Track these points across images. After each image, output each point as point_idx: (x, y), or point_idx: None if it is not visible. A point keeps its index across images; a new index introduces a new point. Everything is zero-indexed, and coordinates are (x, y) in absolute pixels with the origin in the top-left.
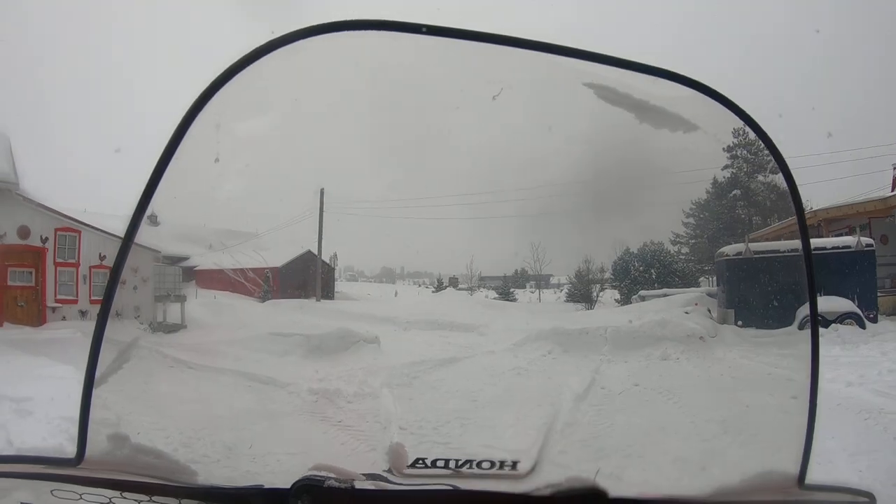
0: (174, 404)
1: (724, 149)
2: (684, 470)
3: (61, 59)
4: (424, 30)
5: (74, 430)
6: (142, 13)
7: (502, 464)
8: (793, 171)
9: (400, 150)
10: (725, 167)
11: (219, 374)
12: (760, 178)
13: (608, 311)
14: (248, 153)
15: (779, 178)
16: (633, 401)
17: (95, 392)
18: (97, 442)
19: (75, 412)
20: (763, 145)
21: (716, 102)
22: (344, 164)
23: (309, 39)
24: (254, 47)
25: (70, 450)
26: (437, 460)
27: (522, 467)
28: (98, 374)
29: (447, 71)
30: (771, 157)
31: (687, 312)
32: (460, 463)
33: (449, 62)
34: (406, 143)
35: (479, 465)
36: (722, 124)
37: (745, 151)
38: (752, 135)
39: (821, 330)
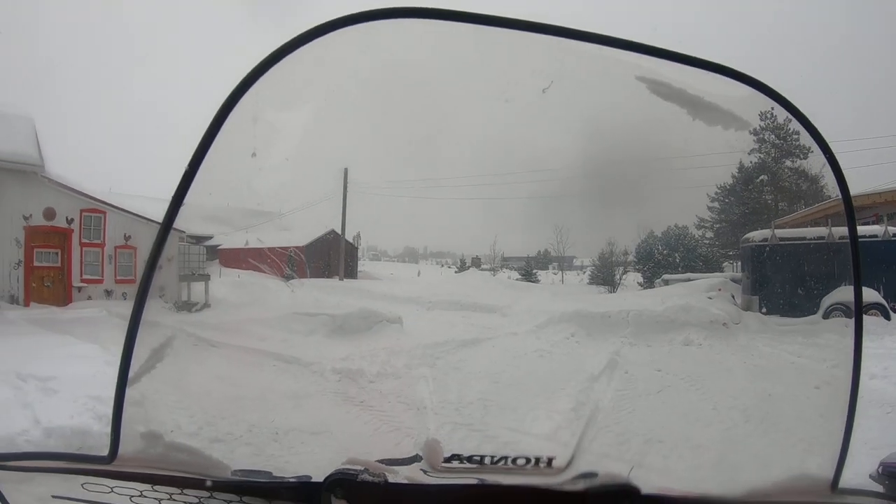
0: (198, 382)
1: (750, 132)
2: (705, 457)
3: (85, 44)
4: (461, 17)
5: (100, 408)
6: (164, 4)
7: (538, 460)
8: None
9: (426, 132)
10: (752, 151)
11: (243, 353)
12: (788, 163)
13: (631, 294)
14: (281, 144)
15: (807, 164)
16: (655, 386)
17: (128, 391)
18: (130, 440)
19: (100, 391)
20: (789, 130)
21: (746, 86)
22: (368, 145)
23: (344, 29)
24: (282, 41)
25: (96, 429)
26: (472, 456)
27: (558, 464)
28: (132, 372)
29: (477, 57)
30: (799, 141)
31: (710, 298)
32: (496, 459)
33: (480, 49)
34: (432, 127)
35: (514, 461)
36: (750, 107)
37: (774, 136)
38: (780, 118)
39: (846, 321)
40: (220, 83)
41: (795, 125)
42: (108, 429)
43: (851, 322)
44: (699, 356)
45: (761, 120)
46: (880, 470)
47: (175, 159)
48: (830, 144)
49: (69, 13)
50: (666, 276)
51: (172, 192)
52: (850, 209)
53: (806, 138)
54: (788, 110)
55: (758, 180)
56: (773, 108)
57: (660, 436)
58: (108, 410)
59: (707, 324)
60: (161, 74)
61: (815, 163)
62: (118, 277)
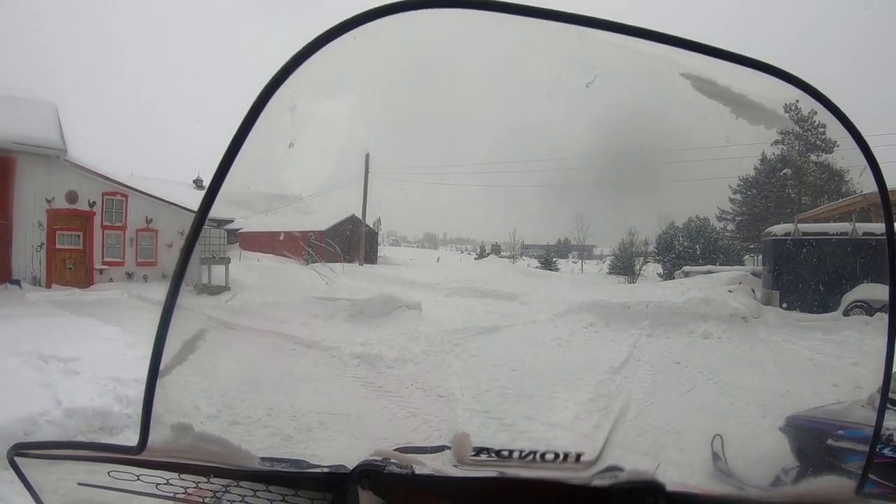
0: (218, 366)
1: (783, 131)
2: (720, 451)
3: (109, 30)
4: (497, 7)
5: (121, 389)
6: None
7: (567, 455)
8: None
9: (449, 120)
10: (775, 142)
11: (262, 336)
12: (813, 157)
13: (651, 285)
14: (314, 135)
15: (832, 158)
16: (673, 378)
17: (159, 382)
18: (159, 431)
19: (121, 372)
20: (815, 123)
21: (785, 83)
22: (391, 132)
23: (378, 20)
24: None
25: (117, 410)
26: (501, 450)
27: (586, 459)
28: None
29: (507, 49)
30: (825, 135)
31: (730, 291)
32: (524, 453)
33: (510, 41)
34: (457, 114)
35: (543, 456)
36: (778, 97)
37: (798, 128)
38: (804, 110)
39: (866, 318)
40: (241, 70)
41: (821, 118)
42: (129, 410)
43: (872, 320)
44: (718, 349)
45: (785, 111)
46: (784, 424)
47: (196, 144)
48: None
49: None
50: (686, 268)
51: (208, 182)
52: (888, 207)
53: (832, 132)
54: (830, 110)
55: (781, 174)
56: (797, 101)
57: (677, 428)
58: (129, 391)
59: (727, 317)
60: (183, 60)
61: (840, 157)
62: (139, 260)
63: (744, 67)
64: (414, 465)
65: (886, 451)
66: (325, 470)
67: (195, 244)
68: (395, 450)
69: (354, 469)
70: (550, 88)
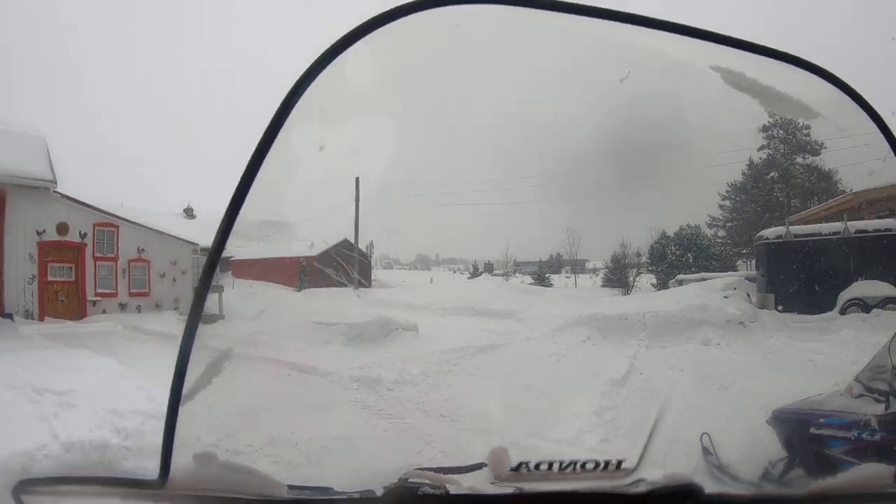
0: (217, 394)
1: (759, 128)
2: (732, 456)
3: (97, 56)
4: (511, 2)
5: (119, 421)
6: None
7: (607, 464)
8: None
9: (432, 134)
10: (762, 148)
11: (259, 364)
12: (800, 159)
13: (646, 295)
14: (309, 160)
15: (819, 160)
16: (673, 386)
17: (181, 409)
18: (182, 461)
19: (117, 404)
20: (798, 125)
21: (811, 74)
22: (382, 155)
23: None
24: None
25: (115, 442)
26: (539, 463)
27: (626, 466)
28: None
29: (505, 43)
30: (810, 137)
31: (726, 297)
32: (564, 465)
33: (508, 40)
34: (440, 127)
35: (583, 466)
36: (816, 96)
37: (782, 131)
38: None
39: (863, 316)
40: (232, 99)
41: (805, 120)
42: (127, 442)
43: (868, 317)
44: (717, 356)
45: (769, 117)
46: (770, 417)
47: (187, 174)
48: (837, 139)
49: (81, 21)
50: (680, 277)
51: (227, 204)
52: None
53: (817, 133)
54: (853, 98)
55: (768, 177)
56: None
57: (680, 435)
58: (127, 423)
59: (724, 323)
60: (172, 88)
61: (828, 158)
62: (132, 291)
63: (753, 55)
64: (448, 485)
65: (865, 436)
66: (355, 496)
67: (216, 269)
68: (429, 470)
69: (387, 491)
70: (544, 89)
